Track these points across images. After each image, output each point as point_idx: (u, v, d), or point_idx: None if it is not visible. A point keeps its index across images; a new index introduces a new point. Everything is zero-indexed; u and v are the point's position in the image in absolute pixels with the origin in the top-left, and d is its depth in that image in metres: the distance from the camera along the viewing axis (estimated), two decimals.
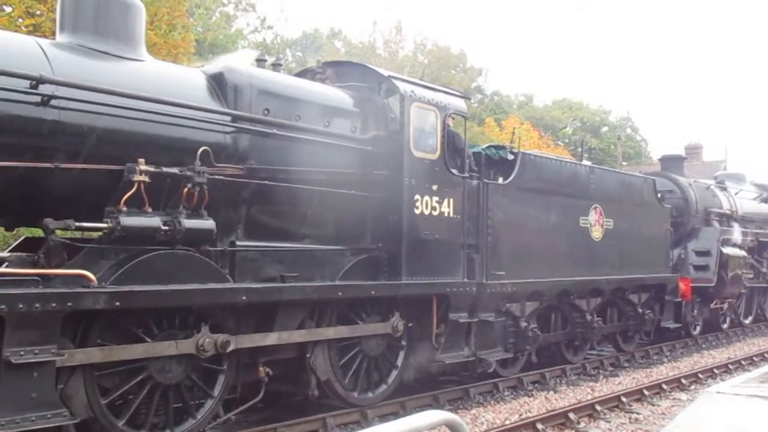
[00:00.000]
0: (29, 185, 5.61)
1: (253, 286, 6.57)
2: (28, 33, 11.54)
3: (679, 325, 14.06)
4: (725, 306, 16.08)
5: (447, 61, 35.15)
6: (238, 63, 7.40)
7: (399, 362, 8.26)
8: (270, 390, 7.03)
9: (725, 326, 16.34)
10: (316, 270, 7.40)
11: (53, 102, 5.59)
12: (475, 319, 8.85)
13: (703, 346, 14.85)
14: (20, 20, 14.05)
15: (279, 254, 7.14)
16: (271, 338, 6.72)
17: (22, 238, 6.74)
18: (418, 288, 8.10)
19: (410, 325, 8.26)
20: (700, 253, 15.12)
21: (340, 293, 7.25)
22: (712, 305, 15.43)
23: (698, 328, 15.25)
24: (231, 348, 6.31)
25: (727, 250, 15.48)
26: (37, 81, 5.48)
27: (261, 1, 52.38)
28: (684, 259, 14.89)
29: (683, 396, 9.93)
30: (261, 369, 6.77)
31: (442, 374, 9.45)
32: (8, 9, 14.39)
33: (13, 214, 6.09)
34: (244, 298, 6.30)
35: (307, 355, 7.20)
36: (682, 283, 13.76)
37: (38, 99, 5.52)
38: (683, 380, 10.66)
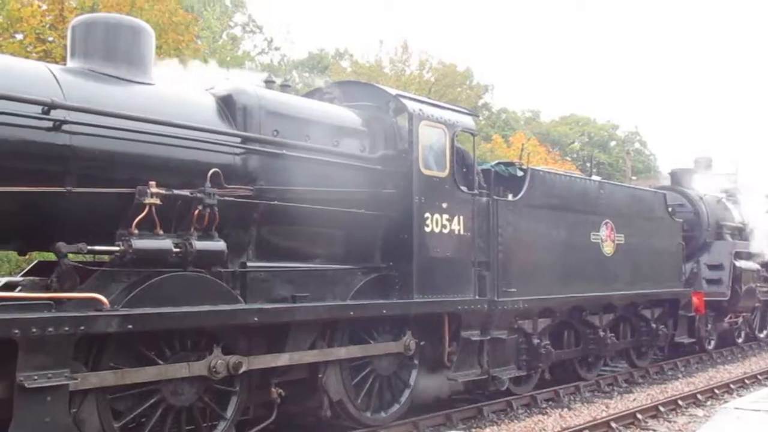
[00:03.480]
0: (42, 209, 5.64)
1: (265, 306, 6.56)
2: (39, 59, 11.66)
3: (693, 339, 13.95)
4: (740, 320, 15.94)
5: (453, 78, 35.17)
6: (247, 84, 7.45)
7: (411, 381, 8.21)
8: (282, 411, 7.00)
9: (740, 340, 16.19)
10: (327, 289, 7.39)
11: (65, 127, 5.63)
12: (488, 337, 8.80)
13: (718, 361, 14.71)
14: (31, 46, 14.21)
15: (290, 274, 7.13)
16: (283, 359, 6.70)
17: (35, 262, 6.77)
18: (430, 306, 8.07)
19: (422, 343, 8.22)
20: (712, 267, 15.01)
21: (351, 313, 7.23)
22: (726, 319, 15.30)
23: (713, 343, 15.10)
24: (243, 369, 6.29)
25: (741, 263, 15.37)
26: (49, 106, 5.52)
27: (267, 22, 52.92)
28: (696, 273, 14.78)
29: (699, 412, 9.82)
30: (273, 390, 6.75)
31: (455, 393, 9.39)
32: (19, 36, 14.56)
33: (25, 239, 6.12)
34: (255, 319, 6.29)
35: (319, 375, 7.16)
36: (696, 297, 13.66)
37: (50, 124, 5.57)
38: (699, 396, 10.55)
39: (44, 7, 14.61)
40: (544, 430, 8.44)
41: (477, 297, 8.61)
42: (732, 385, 11.53)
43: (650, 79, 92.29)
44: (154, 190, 5.84)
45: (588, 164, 28.81)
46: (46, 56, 13.37)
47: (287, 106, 7.44)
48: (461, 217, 8.46)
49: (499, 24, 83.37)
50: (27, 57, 12.34)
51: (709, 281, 14.85)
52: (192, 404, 6.10)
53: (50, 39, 14.37)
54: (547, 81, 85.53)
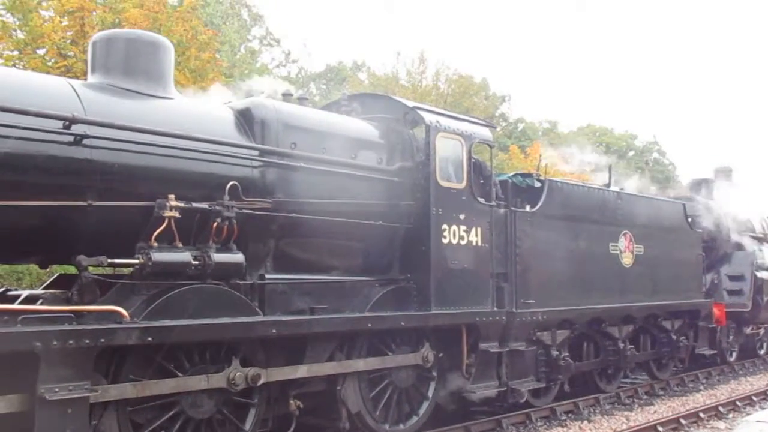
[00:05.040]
0: (62, 223, 5.70)
1: (283, 319, 6.58)
2: (60, 74, 11.82)
3: (714, 351, 13.79)
4: (762, 331, 15.76)
5: (469, 88, 35.16)
6: (264, 97, 7.50)
7: (430, 393, 8.18)
8: (301, 423, 7.00)
9: (762, 352, 16.02)
10: (345, 301, 7.40)
11: (85, 141, 5.69)
12: (506, 349, 8.77)
13: (740, 372, 14.53)
14: (52, 61, 14.38)
15: (308, 286, 7.15)
16: (302, 371, 6.71)
17: (56, 275, 6.84)
18: (448, 318, 8.05)
19: (440, 355, 8.20)
20: (733, 278, 14.88)
21: (369, 324, 7.23)
22: (747, 331, 15.13)
23: (734, 355, 14.94)
24: (262, 381, 6.31)
25: (762, 274, 15.21)
26: (70, 121, 5.59)
27: (285, 35, 53.27)
28: (717, 284, 14.66)
29: (721, 425, 9.71)
30: (292, 402, 6.76)
31: (474, 405, 9.34)
32: (41, 51, 14.75)
33: (46, 252, 6.18)
34: (274, 331, 6.32)
35: (338, 388, 7.17)
36: (716, 308, 13.54)
37: (71, 138, 5.63)
38: (721, 408, 10.44)
39: (66, 22, 14.79)
40: None
41: (495, 308, 8.59)
42: (754, 398, 11.39)
43: (668, 88, 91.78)
44: (174, 203, 5.89)
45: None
46: (67, 71, 13.53)
47: (305, 119, 7.48)
48: (479, 229, 8.45)
49: (516, 34, 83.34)
50: (48, 72, 12.50)
51: (730, 292, 14.72)
52: (211, 416, 6.12)
53: (71, 54, 14.54)
54: (565, 91, 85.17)
